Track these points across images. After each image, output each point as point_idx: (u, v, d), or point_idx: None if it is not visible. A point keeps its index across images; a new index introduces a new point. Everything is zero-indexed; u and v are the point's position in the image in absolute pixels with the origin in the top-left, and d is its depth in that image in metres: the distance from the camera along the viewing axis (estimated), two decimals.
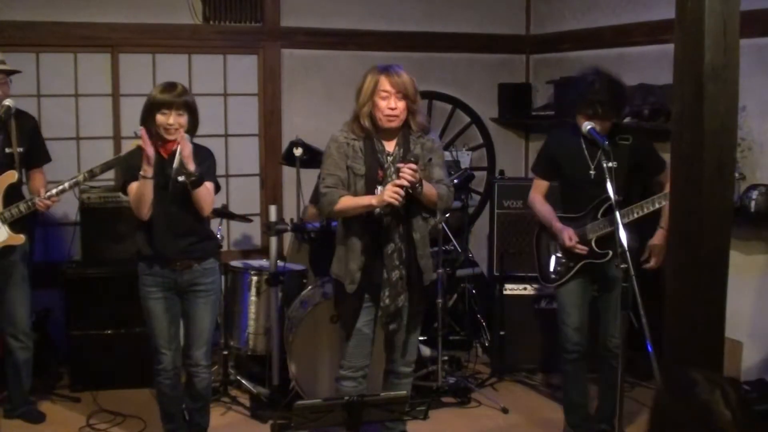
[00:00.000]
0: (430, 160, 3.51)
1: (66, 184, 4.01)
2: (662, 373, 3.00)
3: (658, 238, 3.91)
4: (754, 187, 4.17)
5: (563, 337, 3.99)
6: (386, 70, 3.43)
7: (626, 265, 3.23)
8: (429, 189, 3.42)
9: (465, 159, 5.78)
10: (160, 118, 3.54)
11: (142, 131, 3.52)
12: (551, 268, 4.01)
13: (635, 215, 3.80)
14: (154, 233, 3.63)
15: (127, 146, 4.04)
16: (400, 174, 3.31)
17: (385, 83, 3.40)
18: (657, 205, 3.76)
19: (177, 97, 3.56)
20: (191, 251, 3.68)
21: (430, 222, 3.71)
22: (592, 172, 3.86)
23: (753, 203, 4.12)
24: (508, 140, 6.24)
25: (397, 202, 3.30)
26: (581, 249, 3.88)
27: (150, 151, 3.47)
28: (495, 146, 6.14)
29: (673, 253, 2.76)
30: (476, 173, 5.70)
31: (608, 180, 3.44)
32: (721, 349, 2.75)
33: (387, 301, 3.48)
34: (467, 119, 6.07)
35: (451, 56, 5.98)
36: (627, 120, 4.90)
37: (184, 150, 3.48)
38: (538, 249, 4.13)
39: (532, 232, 4.25)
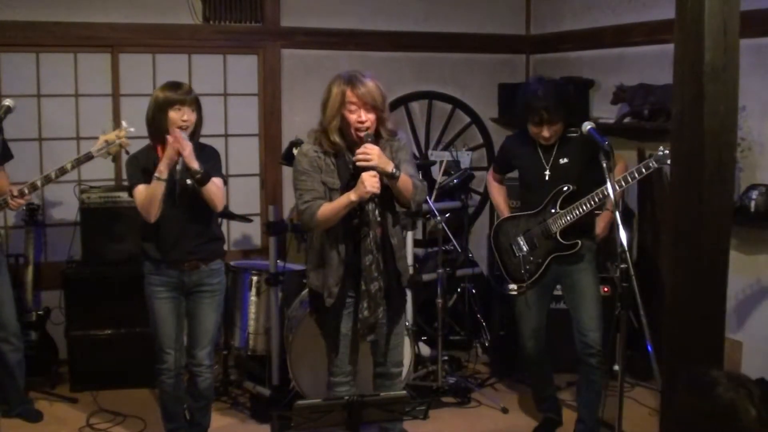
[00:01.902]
0: (399, 159, 3.43)
1: (37, 181, 3.99)
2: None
3: (603, 216, 4.02)
4: (754, 187, 4.17)
5: (520, 342, 4.13)
6: (351, 81, 3.29)
7: (626, 265, 3.23)
8: (406, 177, 3.34)
9: (465, 159, 5.78)
10: (173, 115, 3.53)
11: (173, 132, 3.49)
12: (521, 268, 4.03)
13: (578, 213, 3.85)
14: (162, 236, 3.61)
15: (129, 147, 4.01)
16: (362, 156, 3.21)
17: (351, 96, 3.27)
18: (594, 203, 3.81)
19: (187, 95, 3.58)
20: (199, 252, 3.68)
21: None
22: (547, 173, 3.96)
23: (753, 203, 4.12)
24: None
25: (377, 189, 3.21)
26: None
27: (173, 152, 3.46)
28: (495, 146, 6.12)
29: (673, 253, 2.76)
30: (476, 173, 5.70)
31: (608, 180, 3.44)
32: (721, 349, 2.75)
33: (366, 313, 3.36)
34: (467, 119, 6.07)
35: (451, 56, 5.98)
36: (627, 120, 4.91)
37: (184, 150, 3.48)
38: (499, 251, 4.15)
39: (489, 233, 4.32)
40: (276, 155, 5.49)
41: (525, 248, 4.02)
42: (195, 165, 3.49)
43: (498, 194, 4.34)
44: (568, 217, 3.88)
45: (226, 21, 5.40)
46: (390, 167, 3.26)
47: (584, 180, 3.85)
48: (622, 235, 3.29)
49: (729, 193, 2.74)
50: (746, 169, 4.30)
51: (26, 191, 3.99)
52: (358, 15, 5.69)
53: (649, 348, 3.13)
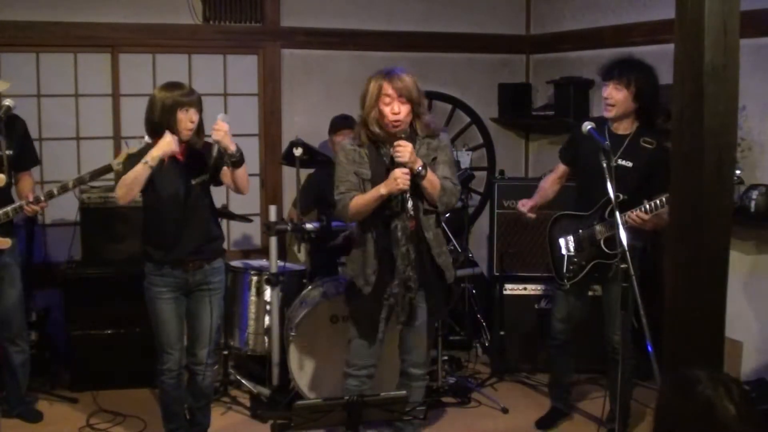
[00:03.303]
0: (435, 159, 3.48)
1: (54, 190, 4.01)
2: (666, 373, 3.00)
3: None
4: (754, 187, 4.17)
5: (550, 326, 4.22)
6: (388, 74, 3.41)
7: (626, 265, 3.23)
8: (433, 177, 3.41)
9: (465, 159, 5.78)
10: (182, 116, 3.53)
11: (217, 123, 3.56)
12: (564, 268, 4.06)
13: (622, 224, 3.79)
14: (167, 237, 3.61)
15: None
16: (395, 152, 3.34)
17: (387, 88, 3.38)
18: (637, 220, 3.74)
19: (192, 95, 3.59)
20: (203, 252, 3.69)
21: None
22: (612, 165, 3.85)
23: (753, 203, 4.11)
24: (508, 140, 6.24)
25: (407, 186, 3.32)
26: (527, 214, 4.13)
27: (169, 147, 3.48)
28: (495, 146, 6.14)
29: (672, 253, 2.76)
30: (476, 173, 5.70)
31: (608, 180, 3.44)
32: (721, 349, 2.75)
33: (398, 297, 3.46)
34: (467, 119, 6.07)
35: (451, 56, 5.98)
36: None
37: (220, 130, 3.52)
38: (552, 247, 4.16)
39: (544, 228, 4.29)
40: (276, 155, 5.49)
41: (572, 248, 4.03)
42: (232, 147, 3.55)
43: (545, 183, 4.24)
44: (613, 226, 3.82)
45: (226, 21, 5.40)
46: (417, 165, 3.36)
47: (639, 191, 3.79)
48: (622, 235, 3.29)
49: (729, 193, 2.74)
50: (746, 169, 4.30)
51: (42, 198, 4.00)
52: (358, 15, 5.70)
53: (649, 348, 3.13)
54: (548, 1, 6.00)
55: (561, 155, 4.23)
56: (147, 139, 3.77)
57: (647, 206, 3.72)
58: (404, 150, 3.33)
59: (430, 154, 3.48)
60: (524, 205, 4.19)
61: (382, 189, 3.36)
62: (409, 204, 3.39)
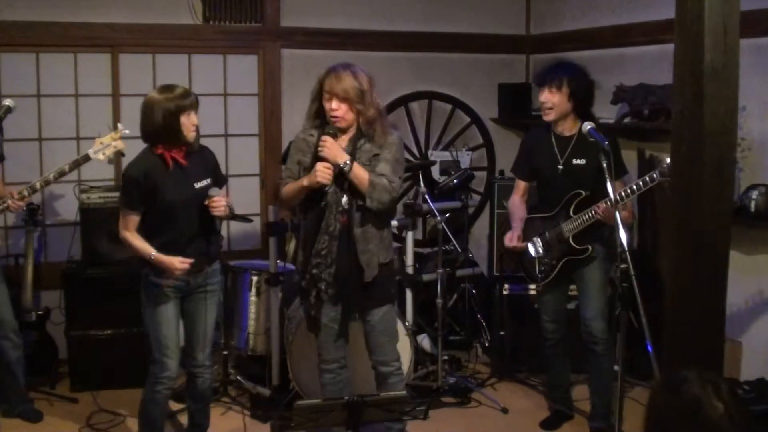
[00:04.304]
0: (377, 155, 3.49)
1: (36, 183, 4.02)
2: (663, 372, 3.00)
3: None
4: (754, 187, 4.17)
5: (541, 327, 4.25)
6: (330, 72, 3.47)
7: (626, 265, 3.23)
8: (360, 172, 3.43)
9: (465, 159, 5.78)
10: (185, 120, 3.52)
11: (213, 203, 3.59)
12: (536, 269, 4.12)
13: (589, 218, 3.87)
14: (174, 240, 3.59)
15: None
16: (319, 147, 3.44)
17: (325, 85, 3.46)
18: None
19: (191, 97, 3.58)
20: (207, 253, 3.70)
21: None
22: (560, 167, 3.99)
23: (753, 203, 4.12)
24: (508, 140, 6.23)
25: (325, 180, 3.40)
26: (517, 247, 4.10)
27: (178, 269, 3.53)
28: (495, 146, 6.14)
29: (672, 253, 2.76)
30: (476, 173, 5.70)
31: (608, 179, 3.45)
32: (721, 349, 2.75)
33: (313, 293, 3.55)
34: (467, 119, 6.07)
35: (451, 56, 5.98)
36: (627, 120, 4.91)
37: (220, 206, 3.57)
38: (519, 253, 4.21)
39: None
40: (276, 155, 5.49)
41: (540, 250, 4.09)
42: (228, 212, 3.67)
43: (514, 206, 4.25)
44: (580, 222, 3.91)
45: (226, 21, 5.40)
46: (342, 160, 3.42)
47: (598, 184, 3.81)
48: (622, 235, 3.30)
49: (729, 193, 2.74)
50: (746, 169, 4.30)
51: (26, 193, 4.01)
52: (358, 15, 5.70)
53: (649, 348, 3.13)
54: (548, 1, 6.00)
55: (517, 173, 4.28)
56: (120, 127, 3.94)
57: (619, 196, 3.73)
58: (325, 145, 3.43)
59: (374, 151, 3.49)
60: (511, 240, 4.16)
61: (305, 181, 3.48)
62: (344, 199, 3.46)
